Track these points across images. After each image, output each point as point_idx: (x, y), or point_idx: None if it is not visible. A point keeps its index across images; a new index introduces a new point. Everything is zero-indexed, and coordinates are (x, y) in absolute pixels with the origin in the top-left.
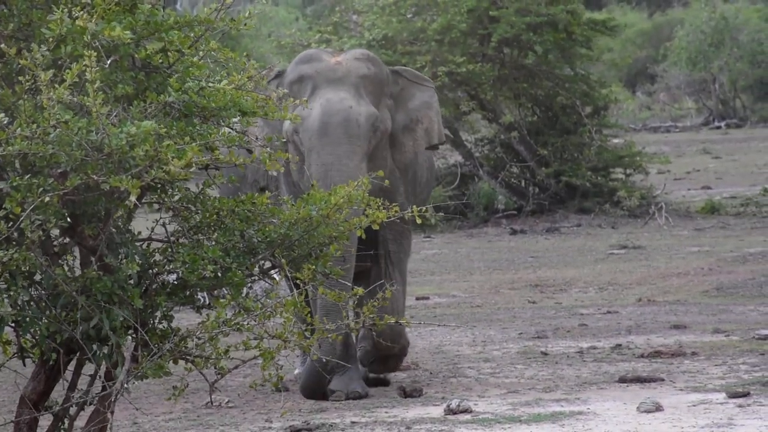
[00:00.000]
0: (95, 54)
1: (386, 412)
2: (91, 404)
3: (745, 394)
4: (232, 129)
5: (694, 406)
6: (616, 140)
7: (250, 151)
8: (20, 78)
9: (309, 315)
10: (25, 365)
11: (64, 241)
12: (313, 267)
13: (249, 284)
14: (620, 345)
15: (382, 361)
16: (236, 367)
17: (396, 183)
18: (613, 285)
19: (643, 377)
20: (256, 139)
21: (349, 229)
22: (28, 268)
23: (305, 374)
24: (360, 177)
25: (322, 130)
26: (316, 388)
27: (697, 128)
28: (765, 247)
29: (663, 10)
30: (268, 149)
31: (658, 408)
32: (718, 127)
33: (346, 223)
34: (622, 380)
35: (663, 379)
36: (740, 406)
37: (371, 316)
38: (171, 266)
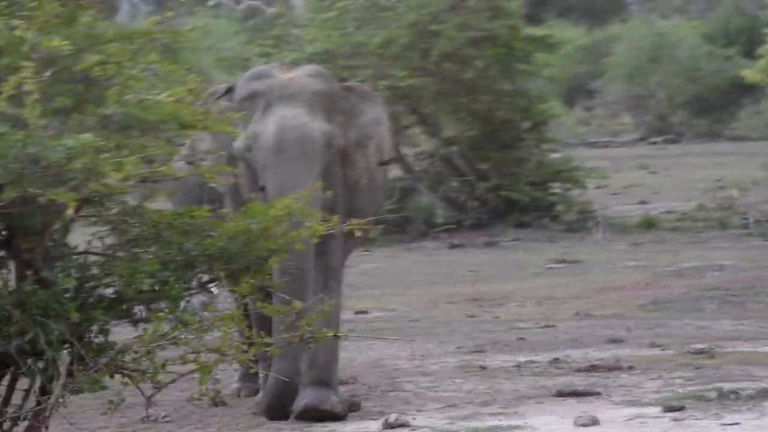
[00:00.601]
0: (33, 65)
1: (324, 426)
2: (25, 419)
3: (681, 408)
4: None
5: (630, 420)
6: (554, 155)
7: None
8: None
9: (248, 328)
10: None
11: (0, 254)
12: (252, 280)
13: (187, 298)
14: (557, 359)
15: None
16: (173, 381)
17: (345, 200)
18: (550, 299)
19: (580, 391)
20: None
21: (288, 242)
22: None
23: (268, 395)
24: (316, 195)
25: (278, 147)
26: (280, 409)
27: (634, 143)
28: (700, 262)
29: (602, 27)
30: (210, 163)
31: (595, 422)
32: (655, 143)
33: (286, 236)
34: (560, 394)
35: (600, 393)
36: (676, 419)
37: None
38: (108, 280)
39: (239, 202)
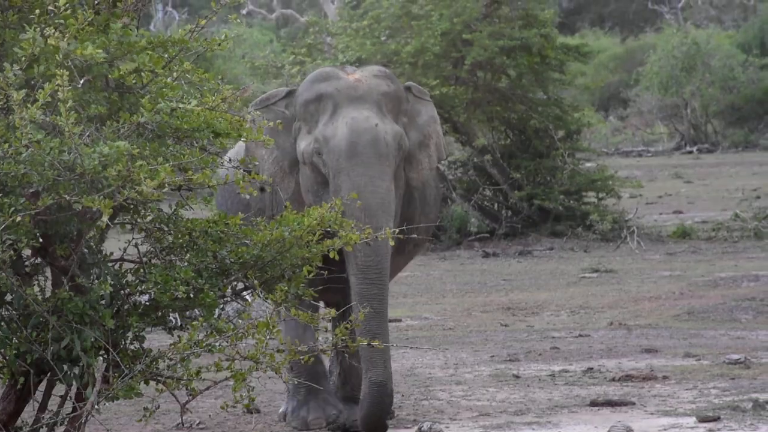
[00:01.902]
0: (68, 74)
1: None
2: (61, 425)
3: (716, 419)
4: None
5: (665, 430)
6: (588, 164)
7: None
8: None
9: (282, 337)
10: None
11: (36, 261)
12: (286, 288)
13: (221, 305)
14: (592, 368)
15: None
16: (208, 389)
17: (414, 203)
18: (585, 308)
19: (614, 401)
20: (230, 161)
21: (321, 251)
22: None
23: (368, 404)
24: (391, 198)
25: (351, 151)
26: (380, 416)
27: (669, 153)
28: (735, 272)
29: (635, 36)
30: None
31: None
32: (690, 152)
33: (319, 245)
34: (594, 404)
35: (634, 403)
36: (710, 430)
37: (343, 338)
38: (143, 287)
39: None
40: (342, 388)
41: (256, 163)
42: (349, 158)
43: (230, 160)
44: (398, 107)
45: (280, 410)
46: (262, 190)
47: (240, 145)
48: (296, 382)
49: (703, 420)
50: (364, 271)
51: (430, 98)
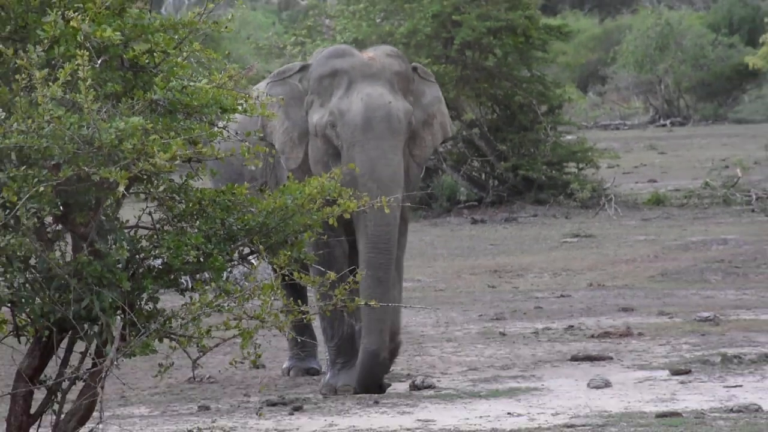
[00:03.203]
0: (87, 54)
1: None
2: (82, 379)
3: (687, 372)
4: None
5: (640, 382)
6: (569, 137)
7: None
8: (17, 76)
9: (285, 297)
10: (20, 342)
11: (57, 228)
12: (289, 253)
13: (229, 269)
14: (572, 326)
15: None
16: (217, 346)
17: (415, 178)
18: (566, 271)
19: (594, 356)
20: (236, 134)
21: (323, 218)
22: (23, 252)
23: (360, 370)
24: (402, 171)
25: (366, 125)
26: (372, 382)
27: (644, 126)
28: (706, 236)
29: (613, 17)
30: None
31: (607, 384)
32: (664, 125)
33: (320, 212)
34: (574, 359)
35: (611, 358)
36: (682, 382)
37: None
38: (157, 252)
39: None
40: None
41: (261, 135)
42: (363, 132)
43: (237, 133)
44: (407, 86)
45: (284, 366)
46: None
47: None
48: (332, 356)
49: (676, 373)
50: (373, 240)
51: (434, 79)
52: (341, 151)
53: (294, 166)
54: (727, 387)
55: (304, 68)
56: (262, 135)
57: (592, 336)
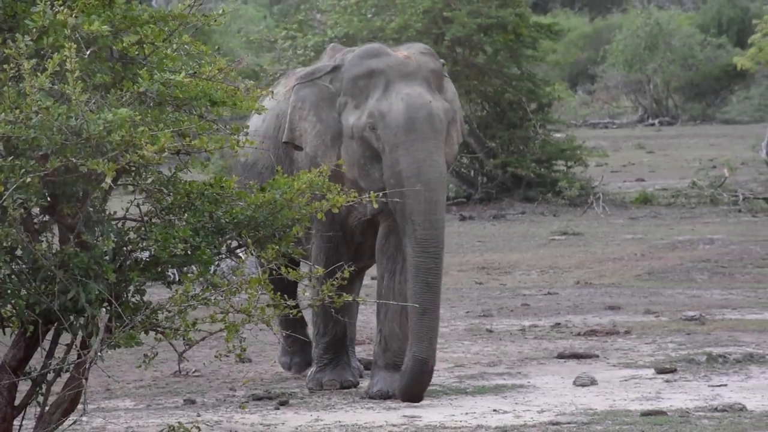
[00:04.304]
0: (75, 45)
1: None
2: (67, 371)
3: (673, 370)
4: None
5: (625, 380)
6: (558, 135)
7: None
8: (5, 66)
9: (272, 291)
10: (5, 334)
11: (44, 218)
12: (277, 247)
13: (216, 262)
14: (559, 324)
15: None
16: (203, 339)
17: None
18: (553, 268)
19: (580, 354)
20: (225, 126)
21: (310, 212)
22: (10, 243)
23: (408, 377)
24: (445, 171)
25: (409, 126)
26: (419, 390)
27: (632, 125)
28: (693, 236)
29: (603, 16)
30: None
31: (593, 382)
32: (652, 125)
33: (308, 206)
34: (560, 356)
35: (598, 356)
36: (667, 381)
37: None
38: (144, 244)
39: (343, 183)
40: (383, 356)
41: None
42: (407, 133)
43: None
44: (441, 84)
45: (282, 359)
46: (297, 148)
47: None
48: (320, 351)
49: (661, 371)
50: (422, 244)
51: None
52: (382, 153)
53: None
54: (712, 386)
55: (335, 69)
56: (286, 140)
57: (579, 334)
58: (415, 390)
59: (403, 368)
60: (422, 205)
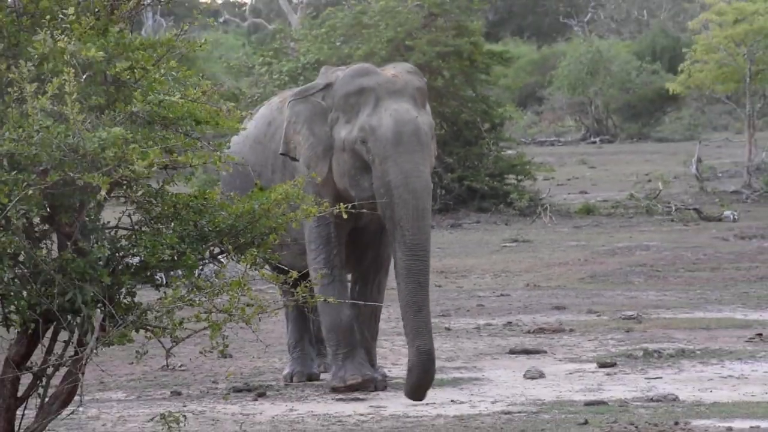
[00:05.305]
0: (73, 70)
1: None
2: (65, 366)
3: (613, 365)
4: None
5: (570, 374)
6: (509, 151)
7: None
8: (9, 89)
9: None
10: (9, 332)
11: (44, 227)
12: (256, 253)
13: (201, 266)
14: (511, 322)
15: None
16: (188, 336)
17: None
18: (505, 272)
19: (530, 349)
20: (208, 144)
21: (286, 221)
22: (13, 250)
23: (417, 371)
24: (430, 182)
25: (397, 139)
26: (428, 381)
27: (576, 143)
28: (630, 243)
29: (549, 44)
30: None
31: (541, 375)
32: (594, 142)
33: (285, 216)
34: (512, 352)
35: (546, 351)
36: (608, 374)
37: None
38: (135, 250)
39: (334, 192)
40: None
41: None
42: (395, 146)
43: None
44: (425, 101)
45: (284, 372)
46: (293, 159)
47: (260, 114)
48: (334, 350)
49: (603, 365)
50: (411, 248)
51: None
52: (372, 164)
53: (320, 179)
54: (648, 378)
55: (327, 86)
56: (282, 151)
57: (529, 332)
58: (425, 381)
59: (409, 365)
60: (410, 213)
